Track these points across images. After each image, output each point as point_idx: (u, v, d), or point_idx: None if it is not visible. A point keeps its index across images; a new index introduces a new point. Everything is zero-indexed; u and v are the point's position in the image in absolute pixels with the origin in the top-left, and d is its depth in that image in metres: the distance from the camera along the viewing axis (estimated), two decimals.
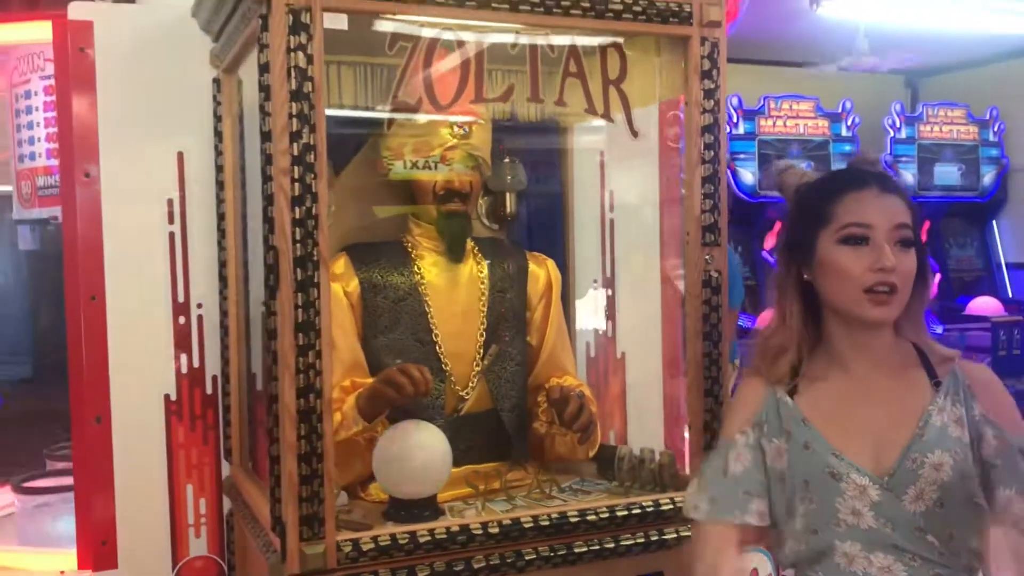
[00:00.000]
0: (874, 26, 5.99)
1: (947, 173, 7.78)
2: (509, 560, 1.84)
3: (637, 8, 1.88)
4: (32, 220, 2.61)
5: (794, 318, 1.56)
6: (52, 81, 2.47)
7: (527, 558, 1.85)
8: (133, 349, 2.29)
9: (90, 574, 2.28)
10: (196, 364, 2.34)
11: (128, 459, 2.30)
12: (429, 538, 1.79)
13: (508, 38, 1.88)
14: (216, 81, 2.30)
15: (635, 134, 2.02)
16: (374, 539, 1.76)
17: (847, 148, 7.57)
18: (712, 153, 1.95)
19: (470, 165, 2.19)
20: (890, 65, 6.48)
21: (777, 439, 1.54)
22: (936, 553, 1.46)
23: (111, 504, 2.28)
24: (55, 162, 2.49)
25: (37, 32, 2.42)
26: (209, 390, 2.35)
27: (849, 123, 7.57)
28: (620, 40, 1.97)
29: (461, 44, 1.84)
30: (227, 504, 2.37)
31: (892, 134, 7.62)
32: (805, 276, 1.56)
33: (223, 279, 2.32)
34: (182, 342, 2.33)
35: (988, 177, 7.92)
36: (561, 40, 1.92)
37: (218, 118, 2.30)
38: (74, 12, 2.23)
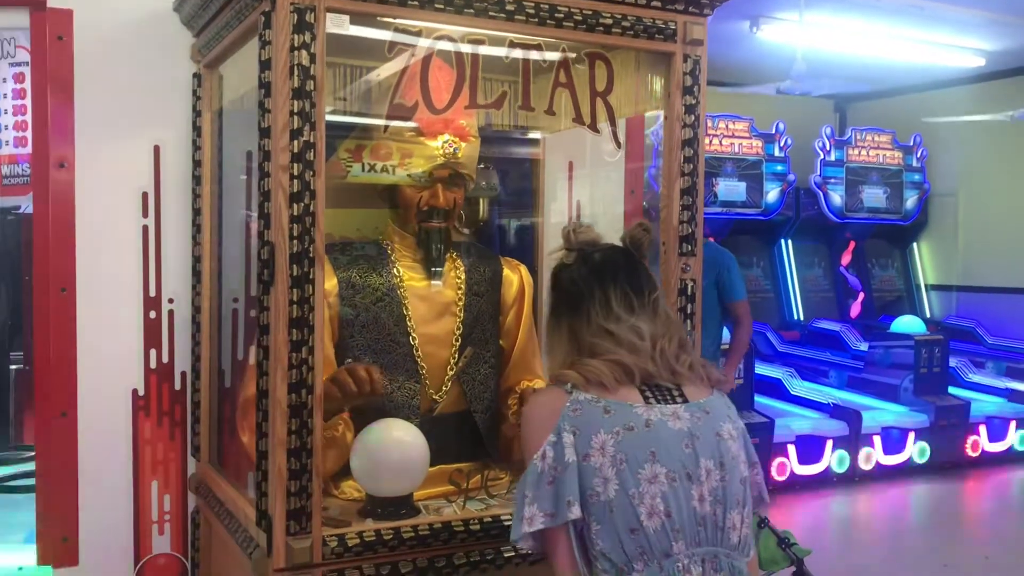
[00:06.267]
0: (810, 52, 6.20)
1: (873, 196, 8.09)
2: (488, 557, 1.88)
3: (626, 23, 1.95)
4: None
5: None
6: (21, 68, 2.43)
7: (506, 555, 1.89)
8: (102, 343, 2.27)
9: (50, 571, 2.23)
10: (165, 360, 2.33)
11: (93, 454, 2.27)
12: (413, 535, 1.82)
13: (503, 46, 1.91)
14: (197, 76, 2.29)
15: (619, 144, 2.09)
16: (359, 534, 1.78)
17: (779, 168, 7.81)
18: (691, 166, 2.03)
19: (457, 184, 2.23)
20: (824, 90, 6.72)
21: None
22: None
23: (74, 500, 2.24)
24: (23, 150, 2.45)
25: (7, 18, 2.37)
26: (178, 386, 2.34)
27: (782, 144, 7.81)
28: (608, 53, 2.03)
29: (458, 51, 1.87)
30: (192, 501, 2.36)
31: (822, 156, 7.89)
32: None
33: (196, 274, 2.31)
34: (152, 337, 2.31)
35: (911, 201, 8.26)
36: (553, 51, 1.97)
37: (197, 113, 2.29)
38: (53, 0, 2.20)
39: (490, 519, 1.89)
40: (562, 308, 1.79)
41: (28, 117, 2.43)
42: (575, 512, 1.56)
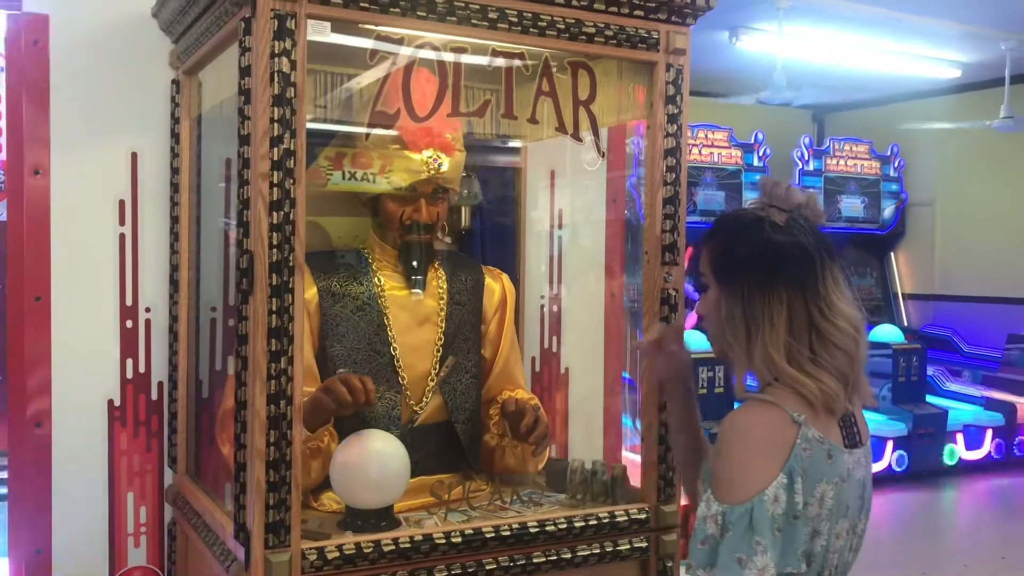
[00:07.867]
0: (789, 62, 6.24)
1: (850, 205, 8.14)
2: (470, 570, 1.85)
3: (609, 32, 1.94)
4: None
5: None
6: None
7: (487, 568, 1.87)
8: (77, 352, 2.23)
9: None
10: (142, 369, 2.29)
11: (68, 465, 2.22)
12: (393, 547, 1.79)
13: (486, 54, 1.90)
14: (175, 82, 2.26)
15: (603, 154, 2.07)
16: (339, 548, 1.75)
17: (758, 178, 7.84)
18: (674, 176, 2.02)
19: (440, 198, 2.21)
20: (804, 100, 6.76)
21: None
22: None
23: (47, 512, 2.20)
24: None
25: None
26: (155, 396, 2.30)
27: (761, 154, 7.85)
28: (591, 62, 2.02)
29: (440, 58, 1.86)
30: (168, 513, 2.32)
31: (800, 166, 7.93)
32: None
33: (174, 283, 2.28)
34: (128, 346, 2.28)
35: (888, 210, 8.32)
36: (536, 59, 1.96)
37: (175, 120, 2.27)
38: (29, 3, 2.17)
39: (471, 531, 1.86)
40: (779, 277, 1.49)
41: (2, 123, 2.40)
42: (805, 567, 1.44)
